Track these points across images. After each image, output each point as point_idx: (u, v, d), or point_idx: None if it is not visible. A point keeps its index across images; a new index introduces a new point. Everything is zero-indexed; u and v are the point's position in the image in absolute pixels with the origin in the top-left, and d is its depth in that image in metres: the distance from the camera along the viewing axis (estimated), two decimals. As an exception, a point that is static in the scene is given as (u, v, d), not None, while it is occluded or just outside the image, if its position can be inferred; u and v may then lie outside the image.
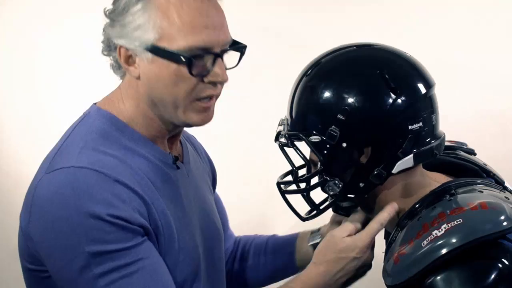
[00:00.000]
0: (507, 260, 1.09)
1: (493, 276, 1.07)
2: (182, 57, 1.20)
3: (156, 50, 1.22)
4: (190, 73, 1.21)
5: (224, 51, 1.26)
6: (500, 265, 1.08)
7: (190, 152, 1.48)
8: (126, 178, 1.21)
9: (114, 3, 1.27)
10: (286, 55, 2.28)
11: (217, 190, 1.66)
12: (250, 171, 2.30)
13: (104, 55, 1.31)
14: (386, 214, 1.30)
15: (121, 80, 1.34)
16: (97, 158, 1.22)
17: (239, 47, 1.30)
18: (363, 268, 1.35)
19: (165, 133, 1.33)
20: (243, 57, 1.31)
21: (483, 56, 2.18)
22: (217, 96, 1.29)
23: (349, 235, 1.32)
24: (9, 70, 2.45)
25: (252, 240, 1.69)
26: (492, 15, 2.18)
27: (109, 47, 1.29)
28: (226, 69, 1.27)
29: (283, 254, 1.62)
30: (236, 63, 1.31)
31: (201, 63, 1.23)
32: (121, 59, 1.26)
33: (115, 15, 1.25)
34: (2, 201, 2.35)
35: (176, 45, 1.21)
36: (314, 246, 1.51)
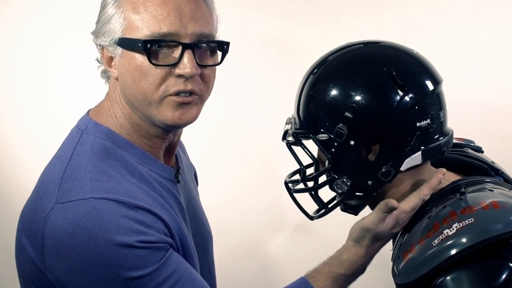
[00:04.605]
0: None
1: (504, 276, 1.07)
2: (139, 44, 1.17)
3: (122, 42, 1.20)
4: (149, 60, 1.17)
5: (196, 44, 1.20)
6: (511, 265, 1.08)
7: (182, 157, 1.47)
8: (142, 201, 1.19)
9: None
10: (293, 54, 2.27)
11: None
12: (258, 171, 2.29)
13: (98, 62, 1.30)
14: (427, 189, 1.26)
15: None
16: (111, 185, 1.18)
17: (217, 42, 1.25)
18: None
19: (157, 143, 1.29)
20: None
21: (492, 53, 2.18)
22: (197, 94, 1.23)
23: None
24: (13, 71, 2.44)
25: None
26: (495, 15, 2.18)
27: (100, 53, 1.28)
28: (200, 65, 1.21)
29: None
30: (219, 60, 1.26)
31: (166, 53, 1.19)
32: (105, 61, 1.24)
33: (98, 16, 1.25)
34: (2, 201, 2.36)
35: (138, 34, 1.18)
36: None
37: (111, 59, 1.24)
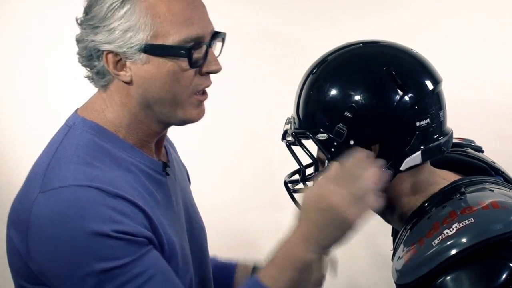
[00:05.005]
0: None
1: (504, 276, 1.07)
2: (181, 50, 1.20)
3: (151, 49, 1.20)
4: (191, 65, 1.21)
5: (212, 40, 1.27)
6: (511, 265, 1.08)
7: (172, 154, 1.47)
8: (125, 192, 1.19)
9: (90, 10, 1.23)
10: (292, 54, 2.27)
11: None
12: (257, 171, 2.29)
13: (83, 65, 1.27)
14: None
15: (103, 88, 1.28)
16: (95, 174, 1.18)
17: (221, 35, 1.30)
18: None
19: (152, 137, 1.31)
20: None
21: (492, 53, 2.18)
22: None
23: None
24: (12, 71, 2.44)
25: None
26: (495, 15, 2.18)
27: (90, 57, 1.24)
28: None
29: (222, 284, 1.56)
30: (218, 52, 1.31)
31: (195, 54, 1.23)
32: (109, 65, 1.23)
33: (97, 21, 1.21)
34: (2, 201, 2.35)
35: (171, 39, 1.21)
36: None
37: (118, 62, 1.23)
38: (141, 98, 1.25)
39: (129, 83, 1.24)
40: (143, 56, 1.21)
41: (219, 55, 1.30)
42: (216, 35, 1.28)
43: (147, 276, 1.16)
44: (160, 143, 1.37)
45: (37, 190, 1.18)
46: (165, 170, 1.35)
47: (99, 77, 1.26)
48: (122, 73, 1.23)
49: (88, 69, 1.27)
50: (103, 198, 1.15)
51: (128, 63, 1.22)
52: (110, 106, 1.27)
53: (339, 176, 1.15)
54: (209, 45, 1.25)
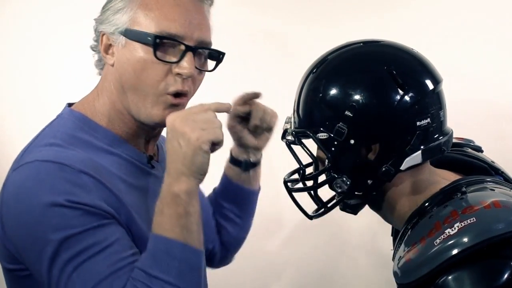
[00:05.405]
0: None
1: (506, 275, 1.06)
2: (148, 37, 1.23)
3: (128, 33, 1.26)
4: (155, 55, 1.23)
5: (198, 49, 1.28)
6: None
7: (164, 153, 1.47)
8: (92, 170, 1.20)
9: None
10: (292, 53, 2.27)
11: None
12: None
13: (92, 49, 1.35)
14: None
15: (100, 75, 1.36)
16: (64, 153, 1.21)
17: (216, 51, 1.33)
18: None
19: (140, 133, 1.34)
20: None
21: (492, 53, 2.18)
22: (187, 95, 1.30)
23: None
24: (12, 71, 2.44)
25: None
26: (495, 15, 2.18)
27: (96, 41, 1.33)
28: (200, 69, 1.30)
29: (234, 195, 1.62)
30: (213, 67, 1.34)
31: (171, 51, 1.26)
32: (102, 47, 1.30)
33: (105, 5, 1.30)
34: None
35: (147, 28, 1.25)
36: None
37: (109, 46, 1.29)
38: (117, 82, 1.29)
39: (112, 66, 1.29)
40: (123, 39, 1.27)
41: (212, 70, 1.33)
42: (205, 47, 1.29)
43: (102, 245, 1.16)
44: (151, 141, 1.39)
45: (11, 171, 1.23)
46: (150, 163, 1.36)
47: (99, 61, 1.35)
48: (108, 56, 1.30)
49: (95, 54, 1.35)
50: (63, 173, 1.17)
51: (114, 48, 1.28)
52: (100, 95, 1.33)
53: (185, 111, 1.22)
54: (191, 50, 1.26)
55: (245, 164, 1.56)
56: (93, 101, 1.33)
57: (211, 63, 1.36)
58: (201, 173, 1.19)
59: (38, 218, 1.15)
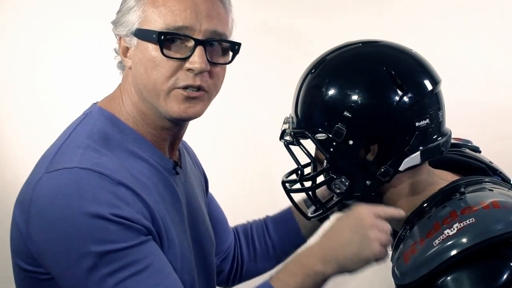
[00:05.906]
0: None
1: (505, 276, 1.06)
2: (154, 35, 1.21)
3: (138, 33, 1.24)
4: (161, 51, 1.21)
5: (209, 41, 1.24)
6: None
7: (186, 158, 1.47)
8: (128, 181, 1.20)
9: None
10: (291, 53, 2.27)
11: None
12: (255, 170, 2.28)
13: (116, 52, 1.33)
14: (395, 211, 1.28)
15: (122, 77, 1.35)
16: (100, 160, 1.19)
17: (229, 42, 1.28)
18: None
19: (163, 134, 1.31)
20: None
21: (492, 53, 2.18)
22: (205, 90, 1.26)
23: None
24: (11, 70, 2.43)
25: (249, 227, 1.68)
26: (495, 15, 2.18)
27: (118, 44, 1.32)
28: (211, 62, 1.24)
29: (289, 232, 1.62)
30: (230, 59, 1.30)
31: (179, 47, 1.23)
32: (120, 50, 1.29)
33: (120, 6, 1.29)
34: (2, 202, 2.34)
35: (154, 26, 1.23)
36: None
37: (126, 49, 1.28)
38: (134, 84, 1.28)
39: (130, 69, 1.28)
40: (135, 40, 1.25)
41: (229, 62, 1.29)
42: (216, 38, 1.25)
43: (143, 264, 1.16)
44: (175, 144, 1.37)
45: (42, 171, 1.20)
46: (175, 169, 1.35)
47: (120, 63, 1.33)
48: (126, 59, 1.28)
49: (117, 53, 1.33)
50: (104, 183, 1.16)
51: (130, 50, 1.27)
52: (123, 95, 1.31)
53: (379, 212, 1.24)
54: (201, 43, 1.22)
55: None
56: (117, 100, 1.31)
57: None
58: (342, 271, 1.22)
59: (77, 227, 1.13)
